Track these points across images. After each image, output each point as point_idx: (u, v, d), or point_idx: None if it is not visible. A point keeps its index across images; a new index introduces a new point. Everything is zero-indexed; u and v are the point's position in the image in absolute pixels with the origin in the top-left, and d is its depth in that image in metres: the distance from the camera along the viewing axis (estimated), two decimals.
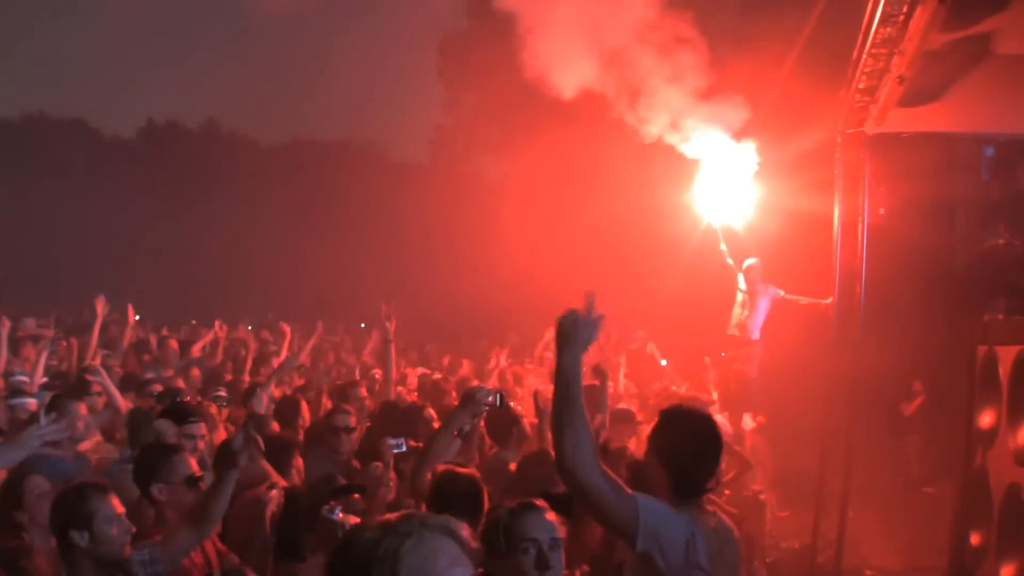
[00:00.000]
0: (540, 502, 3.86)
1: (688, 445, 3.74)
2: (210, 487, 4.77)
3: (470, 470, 5.01)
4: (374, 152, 44.83)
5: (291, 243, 35.10)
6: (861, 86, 9.18)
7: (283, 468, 6.59)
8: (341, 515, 4.71)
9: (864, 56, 8.54)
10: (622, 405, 9.37)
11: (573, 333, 3.70)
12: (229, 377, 10.59)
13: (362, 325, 22.92)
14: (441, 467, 4.98)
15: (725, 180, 11.33)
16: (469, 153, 37.25)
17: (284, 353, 11.51)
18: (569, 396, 3.66)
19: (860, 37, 8.50)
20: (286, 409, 8.49)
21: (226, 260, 35.54)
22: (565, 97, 10.27)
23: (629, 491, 3.66)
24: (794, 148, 11.50)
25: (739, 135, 11.16)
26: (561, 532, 3.72)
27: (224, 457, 4.73)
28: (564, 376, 3.70)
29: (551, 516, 3.76)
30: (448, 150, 38.42)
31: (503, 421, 7.08)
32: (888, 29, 7.84)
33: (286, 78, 72.86)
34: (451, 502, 4.47)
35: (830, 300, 10.60)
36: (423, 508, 5.04)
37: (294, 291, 31.40)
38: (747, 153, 11.21)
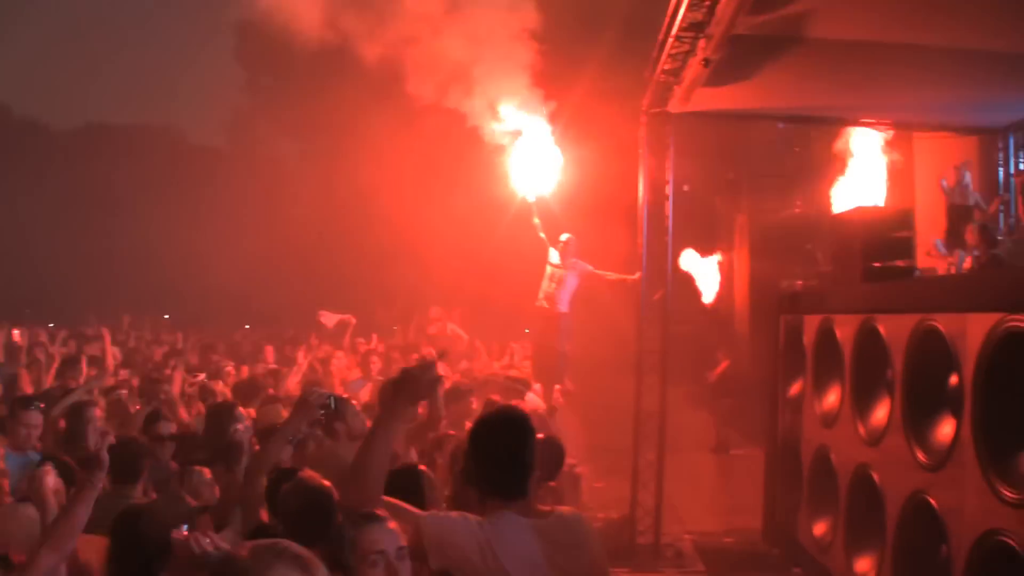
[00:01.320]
0: (381, 511, 3.82)
1: (488, 455, 3.75)
2: (70, 497, 4.43)
3: (316, 478, 4.81)
4: (171, 135, 43.20)
5: (84, 230, 33.52)
6: (667, 67, 9.40)
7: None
8: (193, 535, 4.48)
9: (670, 39, 8.74)
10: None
11: (417, 389, 3.85)
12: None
13: (166, 316, 22.10)
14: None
15: (536, 159, 11.48)
16: (268, 136, 36.37)
17: (109, 358, 10.74)
18: (389, 438, 3.80)
19: (667, 20, 8.69)
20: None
21: (17, 249, 33.59)
22: (368, 70, 10.18)
23: (414, 512, 3.72)
24: (603, 128, 11.73)
25: (551, 115, 11.32)
26: (403, 540, 3.71)
27: (88, 463, 4.39)
28: (393, 423, 3.84)
29: (393, 525, 3.75)
30: (247, 133, 37.40)
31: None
32: (694, 13, 8.05)
33: (78, 61, 68.93)
34: (302, 514, 4.33)
35: (637, 275, 10.85)
36: (262, 514, 4.90)
37: (93, 279, 30.02)
38: (555, 131, 11.41)
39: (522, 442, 3.74)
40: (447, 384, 8.36)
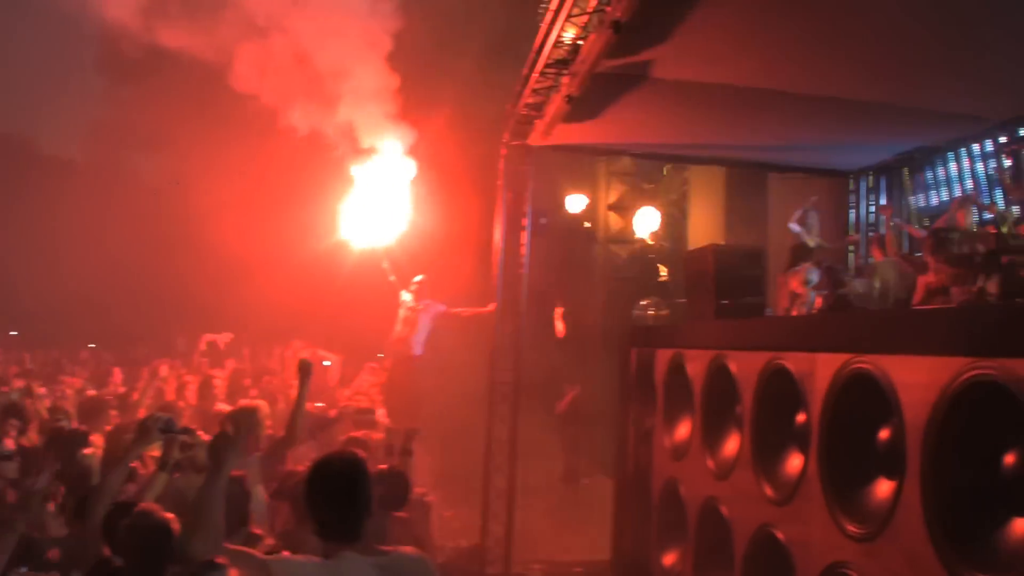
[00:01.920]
0: (221, 559, 3.79)
1: (323, 498, 3.76)
2: None
3: (156, 512, 4.63)
4: (23, 145, 41.14)
5: None
6: (529, 102, 9.55)
7: None
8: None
9: (534, 74, 8.89)
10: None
11: (223, 457, 3.87)
12: None
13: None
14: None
15: (391, 197, 11.45)
16: (126, 149, 35.06)
17: None
18: (221, 487, 3.82)
19: (531, 55, 8.84)
20: None
21: None
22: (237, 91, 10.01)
23: (260, 557, 3.71)
24: (461, 163, 11.79)
25: (407, 151, 11.32)
26: None
27: None
28: (222, 475, 3.85)
29: (234, 573, 3.73)
30: (105, 145, 35.95)
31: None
32: (559, 51, 8.22)
33: None
34: (139, 552, 4.20)
35: (492, 306, 10.93)
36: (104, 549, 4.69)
37: None
38: (409, 169, 11.41)
39: (356, 486, 3.77)
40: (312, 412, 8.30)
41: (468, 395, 12.32)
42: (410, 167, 11.42)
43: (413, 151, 11.41)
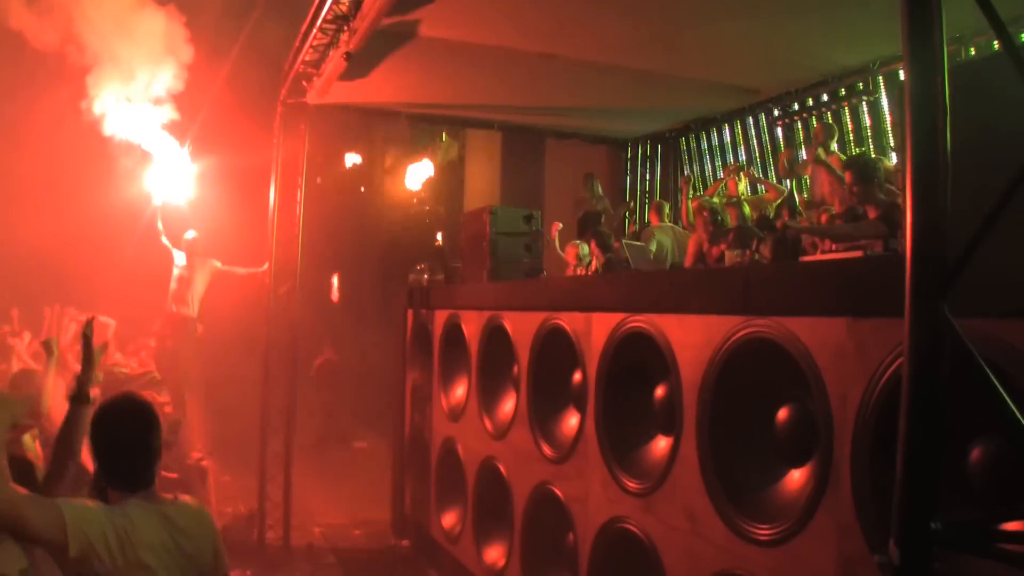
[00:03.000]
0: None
1: (112, 443, 3.58)
2: None
3: None
4: None
5: None
6: (307, 58, 9.29)
7: None
8: None
9: (314, 30, 8.64)
10: None
11: None
12: None
13: None
14: None
15: (163, 157, 10.91)
16: None
17: None
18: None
19: (311, 11, 8.58)
20: None
21: None
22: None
23: (55, 501, 3.51)
24: (238, 121, 11.37)
25: (181, 112, 10.81)
26: (25, 561, 3.45)
27: None
28: None
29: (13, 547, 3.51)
30: None
31: None
32: (339, 7, 7.99)
33: None
34: None
35: (266, 267, 10.64)
36: None
37: None
38: (183, 130, 10.92)
39: (148, 429, 3.61)
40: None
41: (245, 356, 11.97)
42: (186, 127, 10.90)
43: (190, 107, 10.91)
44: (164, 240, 11.14)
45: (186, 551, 3.56)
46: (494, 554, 7.42)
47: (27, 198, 13.53)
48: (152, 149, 10.71)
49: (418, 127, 15.97)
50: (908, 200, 2.43)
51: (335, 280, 14.34)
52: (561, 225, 10.38)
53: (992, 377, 2.35)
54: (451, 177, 16.11)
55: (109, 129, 10.25)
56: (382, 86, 9.72)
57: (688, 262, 8.42)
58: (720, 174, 10.88)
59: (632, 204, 12.64)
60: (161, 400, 8.48)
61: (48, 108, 10.90)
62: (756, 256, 6.39)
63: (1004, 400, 2.33)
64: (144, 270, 12.23)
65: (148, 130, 10.50)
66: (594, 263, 9.01)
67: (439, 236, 15.70)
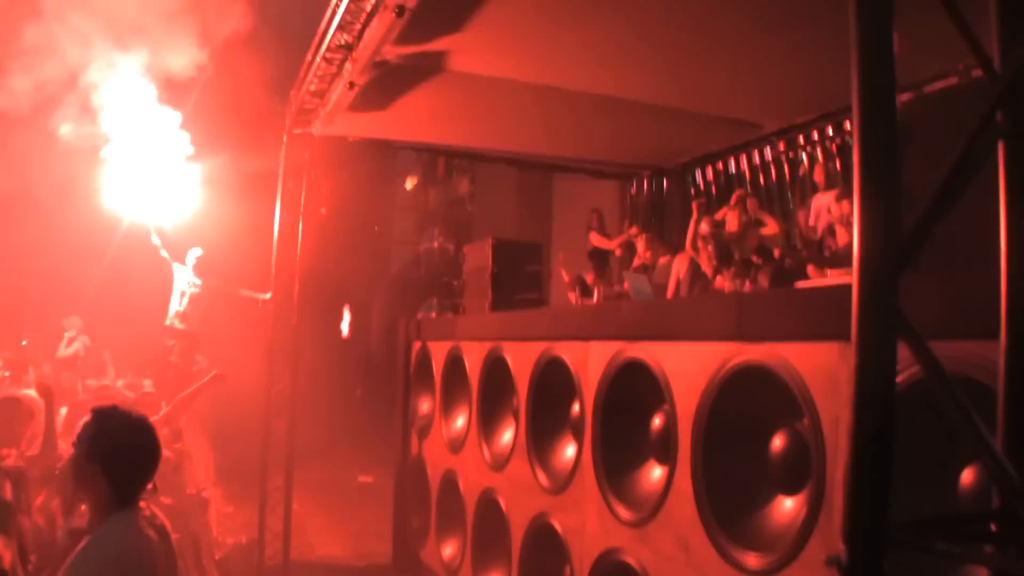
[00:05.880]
0: None
1: (127, 452, 3.50)
2: None
3: None
4: None
5: None
6: (312, 88, 9.33)
7: None
8: None
9: (318, 59, 8.68)
10: None
11: None
12: None
13: None
14: None
15: (161, 173, 10.95)
16: None
17: None
18: None
19: (316, 40, 8.63)
20: None
21: None
22: None
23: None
24: (244, 147, 11.42)
25: (183, 128, 10.87)
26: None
27: None
28: None
29: None
30: None
31: None
32: (344, 35, 8.02)
33: None
34: None
35: (268, 295, 10.63)
36: None
37: None
38: (182, 145, 10.95)
39: (156, 442, 3.59)
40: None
41: (247, 386, 12.00)
42: (184, 144, 10.93)
43: (199, 129, 10.98)
44: (164, 254, 11.11)
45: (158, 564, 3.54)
46: None
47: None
48: (148, 162, 10.74)
49: (429, 163, 16.02)
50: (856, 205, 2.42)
51: (346, 314, 14.26)
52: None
53: (957, 392, 2.32)
54: (461, 212, 16.14)
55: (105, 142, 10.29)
56: (391, 120, 9.76)
57: (671, 287, 8.40)
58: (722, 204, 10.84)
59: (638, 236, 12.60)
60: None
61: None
62: (754, 285, 6.37)
63: (970, 418, 2.29)
64: (140, 284, 12.23)
65: (146, 141, 10.55)
66: (596, 295, 9.00)
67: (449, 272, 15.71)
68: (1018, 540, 2.04)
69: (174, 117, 10.68)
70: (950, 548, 2.47)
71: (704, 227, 9.02)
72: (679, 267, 8.98)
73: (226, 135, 11.64)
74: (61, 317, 14.15)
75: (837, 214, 7.81)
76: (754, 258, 7.95)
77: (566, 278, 9.90)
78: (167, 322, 11.42)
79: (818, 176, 8.99)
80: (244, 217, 12.17)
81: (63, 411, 8.69)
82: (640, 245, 10.05)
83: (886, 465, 2.36)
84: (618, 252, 11.71)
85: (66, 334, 13.94)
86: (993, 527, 2.50)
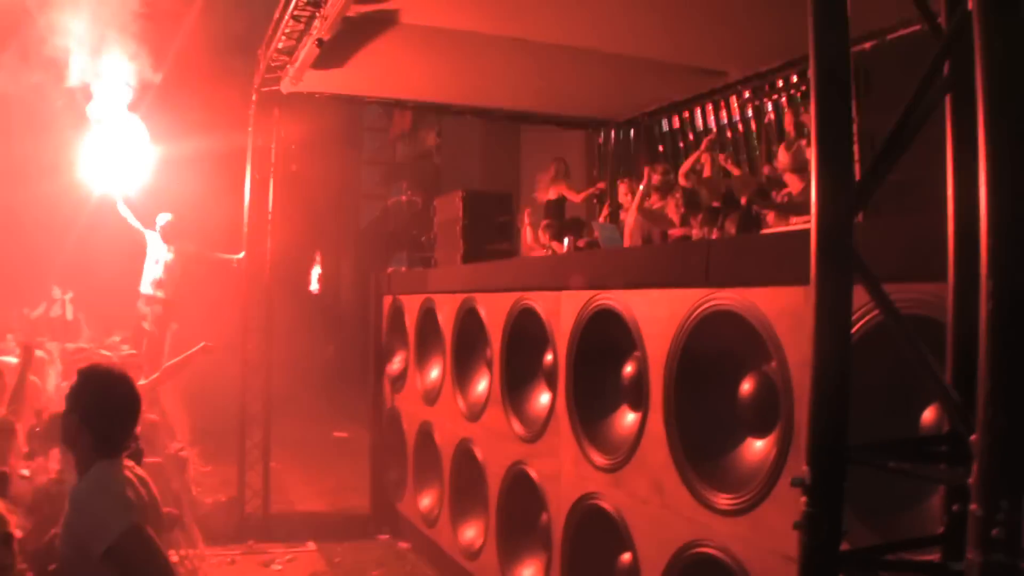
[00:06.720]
0: None
1: (107, 405, 3.57)
2: None
3: None
4: None
5: None
6: (280, 46, 9.26)
7: None
8: None
9: (287, 17, 8.61)
10: None
11: None
12: None
13: None
14: None
15: (128, 138, 10.83)
16: None
17: None
18: None
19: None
20: None
21: None
22: None
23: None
24: (212, 105, 11.31)
25: (151, 91, 10.76)
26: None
27: None
28: None
29: None
30: None
31: None
32: None
33: None
34: None
35: (241, 255, 10.59)
36: None
37: None
38: (147, 111, 10.86)
39: (137, 398, 3.64)
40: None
41: (222, 346, 12.01)
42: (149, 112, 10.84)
43: (165, 93, 10.88)
44: (134, 222, 11.01)
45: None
46: (470, 535, 7.46)
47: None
48: (114, 130, 10.63)
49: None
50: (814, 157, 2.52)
51: (315, 269, 14.23)
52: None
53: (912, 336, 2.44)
54: (428, 165, 16.10)
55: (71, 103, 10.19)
56: (357, 75, 9.69)
57: (627, 240, 8.45)
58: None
59: (606, 187, 12.58)
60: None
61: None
62: (722, 232, 6.44)
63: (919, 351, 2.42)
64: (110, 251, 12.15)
65: (112, 111, 10.44)
66: (566, 244, 9.04)
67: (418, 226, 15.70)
68: (965, 458, 2.18)
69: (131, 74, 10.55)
70: (900, 465, 2.64)
71: (656, 177, 9.04)
72: (629, 220, 9.02)
73: (191, 99, 11.52)
74: (32, 287, 14.03)
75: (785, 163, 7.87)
76: (714, 203, 8.02)
77: (530, 236, 9.93)
78: (144, 290, 11.35)
79: (788, 125, 9.02)
80: (213, 181, 12.09)
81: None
82: (655, 178, 9.94)
83: (844, 393, 2.53)
84: (579, 201, 11.73)
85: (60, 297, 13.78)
86: (943, 449, 2.65)
